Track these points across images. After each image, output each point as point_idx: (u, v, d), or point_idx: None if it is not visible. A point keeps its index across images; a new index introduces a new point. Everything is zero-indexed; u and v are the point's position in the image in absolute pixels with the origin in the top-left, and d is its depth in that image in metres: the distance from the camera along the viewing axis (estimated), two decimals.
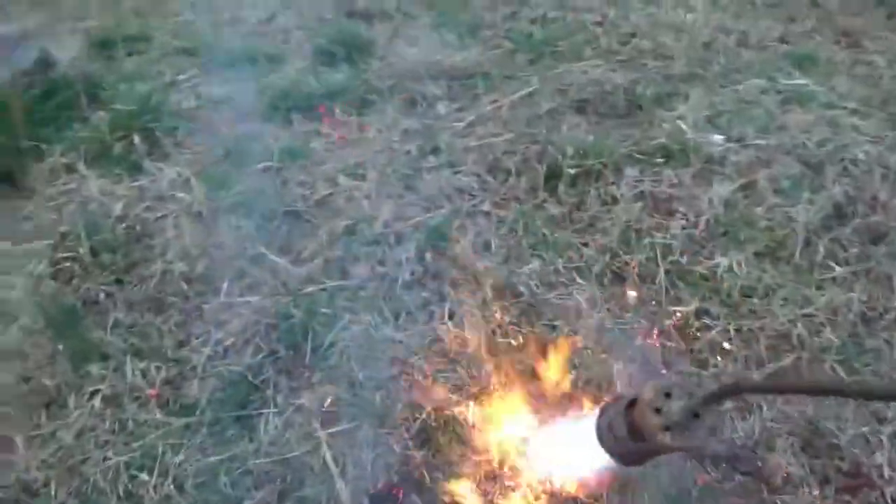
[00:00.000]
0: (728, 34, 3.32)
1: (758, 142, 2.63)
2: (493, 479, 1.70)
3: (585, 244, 2.34)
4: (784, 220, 2.29)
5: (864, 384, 1.68)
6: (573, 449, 1.41)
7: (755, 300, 2.09)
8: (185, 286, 2.30)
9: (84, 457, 1.82)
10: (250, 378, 1.97)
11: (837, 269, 2.14)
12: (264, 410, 1.89)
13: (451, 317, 2.13)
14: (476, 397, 1.88)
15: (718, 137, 2.70)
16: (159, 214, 2.64)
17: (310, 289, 2.23)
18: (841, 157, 2.51)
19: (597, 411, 1.28)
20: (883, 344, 1.97)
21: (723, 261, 2.20)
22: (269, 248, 2.40)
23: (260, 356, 2.03)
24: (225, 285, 2.29)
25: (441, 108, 3.22)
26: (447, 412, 1.84)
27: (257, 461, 1.77)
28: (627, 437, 1.15)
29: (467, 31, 3.66)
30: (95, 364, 2.05)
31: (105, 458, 1.82)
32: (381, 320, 2.12)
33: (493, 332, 2.08)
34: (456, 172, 2.72)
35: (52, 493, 1.75)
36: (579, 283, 2.20)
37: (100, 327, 2.17)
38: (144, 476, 1.75)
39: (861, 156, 2.51)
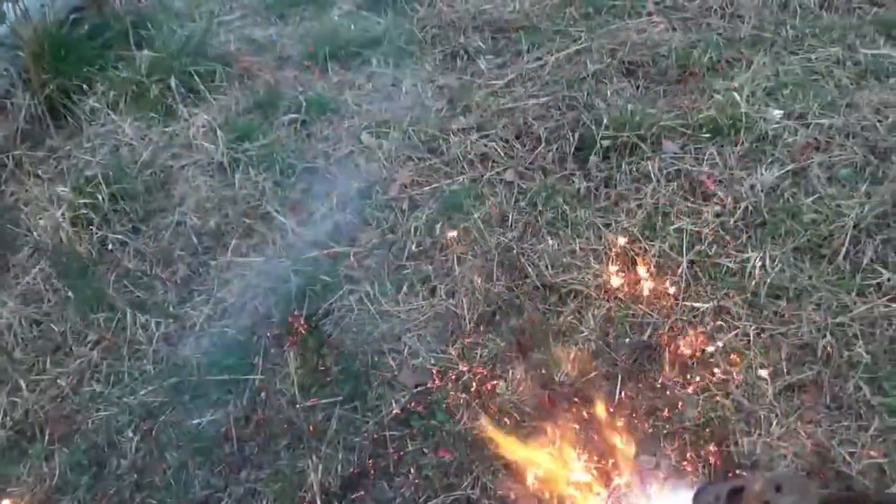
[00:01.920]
0: None
1: (820, 121, 2.35)
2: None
3: (608, 225, 2.18)
4: (833, 214, 2.05)
5: None
6: None
7: (783, 302, 1.89)
8: (195, 240, 2.30)
9: (78, 407, 1.88)
10: (242, 342, 1.96)
11: (885, 274, 1.91)
12: (250, 377, 1.88)
13: (452, 294, 2.04)
14: (461, 382, 1.80)
15: (776, 113, 2.43)
16: (183, 163, 2.65)
17: (314, 253, 2.19)
18: None
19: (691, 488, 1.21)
20: None
21: (754, 255, 2.00)
22: (280, 207, 2.36)
23: (255, 320, 2.02)
24: (233, 242, 2.27)
25: (482, 63, 3.05)
26: (429, 396, 1.78)
27: (236, 428, 1.77)
28: None
29: None
30: (101, 314, 2.10)
31: (97, 410, 1.87)
32: (380, 292, 2.06)
33: (494, 315, 1.98)
34: (483, 136, 2.58)
35: (45, 439, 1.81)
36: (594, 267, 2.06)
37: (110, 276, 2.21)
38: (129, 433, 1.79)
39: None
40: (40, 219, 2.38)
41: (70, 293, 2.14)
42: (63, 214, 2.34)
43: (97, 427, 1.83)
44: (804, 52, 2.70)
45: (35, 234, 2.37)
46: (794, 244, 2.02)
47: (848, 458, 1.59)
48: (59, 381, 1.96)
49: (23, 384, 1.95)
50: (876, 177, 2.16)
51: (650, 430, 1.69)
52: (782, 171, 2.19)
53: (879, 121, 2.32)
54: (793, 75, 2.58)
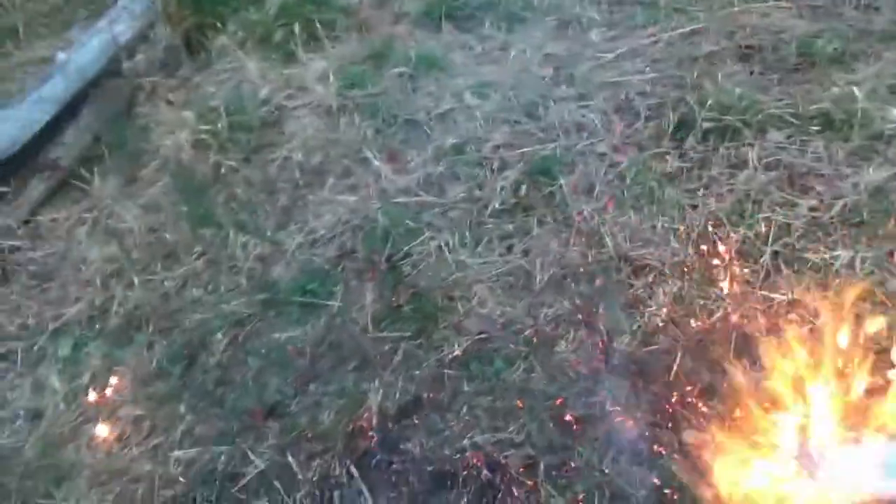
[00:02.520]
0: None
1: None
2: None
3: (694, 206, 2.16)
4: None
5: None
6: None
7: (866, 306, 1.83)
8: (297, 175, 2.48)
9: (179, 307, 2.10)
10: (327, 270, 2.12)
11: None
12: (330, 303, 2.03)
13: (526, 253, 2.11)
14: (522, 336, 1.88)
15: None
16: (297, 104, 2.83)
17: (402, 199, 2.30)
18: None
19: None
20: None
21: (844, 253, 1.93)
22: (378, 153, 2.49)
23: (341, 253, 2.17)
24: (330, 181, 2.43)
25: (594, 35, 3.04)
26: (490, 344, 1.86)
27: (311, 346, 1.93)
28: None
29: None
30: (209, 229, 2.31)
31: (195, 312, 2.08)
32: (459, 242, 2.15)
33: (564, 277, 2.03)
34: (582, 107, 2.59)
35: (149, 330, 2.05)
36: (673, 246, 2.06)
37: (220, 197, 2.43)
38: (220, 335, 1.99)
39: None
40: (167, 140, 2.63)
41: (185, 208, 2.36)
42: (186, 138, 2.57)
43: (193, 327, 2.04)
44: None
45: (161, 152, 2.63)
46: (890, 247, 1.94)
47: None
48: (166, 282, 2.19)
49: (136, 281, 2.20)
50: None
51: (703, 410, 1.70)
52: (892, 173, 2.08)
53: None
54: None
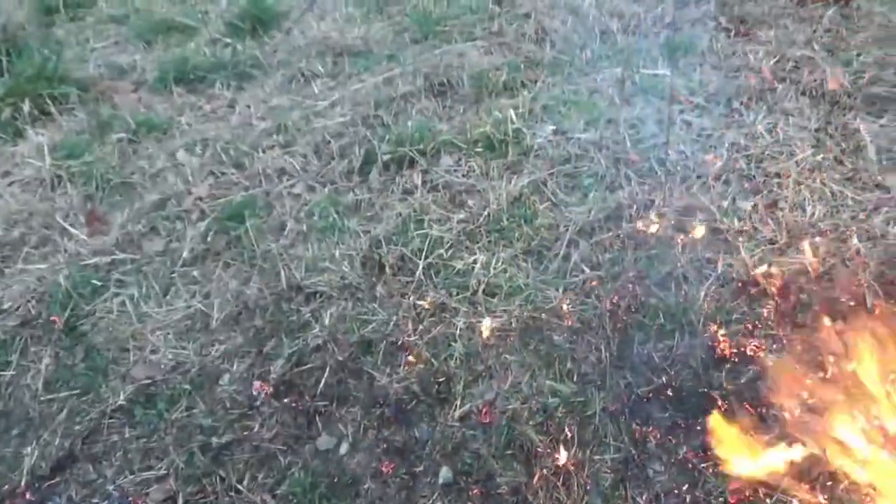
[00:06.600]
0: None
1: (581, 135, 2.53)
2: None
3: (367, 232, 2.35)
4: (563, 219, 2.22)
5: None
6: None
7: (495, 300, 2.05)
8: None
9: None
10: (4, 340, 2.12)
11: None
12: (2, 372, 2.03)
13: (207, 296, 2.20)
14: (188, 375, 1.95)
15: (549, 129, 2.62)
16: (10, 180, 2.81)
17: (94, 260, 2.34)
18: None
19: None
20: None
21: (483, 257, 2.16)
22: (83, 218, 2.53)
23: (24, 321, 2.18)
24: (25, 251, 2.44)
25: (316, 86, 3.24)
26: (153, 388, 1.93)
27: None
28: None
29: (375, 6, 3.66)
30: None
31: None
32: (145, 296, 2.21)
33: (240, 314, 2.13)
34: (287, 152, 2.76)
35: None
36: (344, 270, 2.22)
37: None
38: None
39: None
40: None
41: None
42: None
43: None
44: (594, 73, 2.90)
45: None
46: (522, 247, 2.19)
47: None
48: None
49: None
50: (613, 185, 2.33)
51: (339, 415, 1.84)
52: (528, 181, 2.37)
53: (630, 135, 2.50)
54: (575, 94, 2.77)
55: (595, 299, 2.02)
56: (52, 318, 2.17)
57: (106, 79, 3.52)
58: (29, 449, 1.84)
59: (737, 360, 1.82)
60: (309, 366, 1.97)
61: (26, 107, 3.22)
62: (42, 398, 1.98)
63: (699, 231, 2.15)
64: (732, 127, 2.52)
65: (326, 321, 2.09)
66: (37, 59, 3.47)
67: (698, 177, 2.35)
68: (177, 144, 2.91)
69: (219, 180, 2.67)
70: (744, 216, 2.19)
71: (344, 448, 1.78)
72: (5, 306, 2.25)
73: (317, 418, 1.85)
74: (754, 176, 2.33)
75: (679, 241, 2.15)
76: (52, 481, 1.77)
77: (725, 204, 2.23)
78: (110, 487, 1.73)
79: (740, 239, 2.13)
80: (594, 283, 2.06)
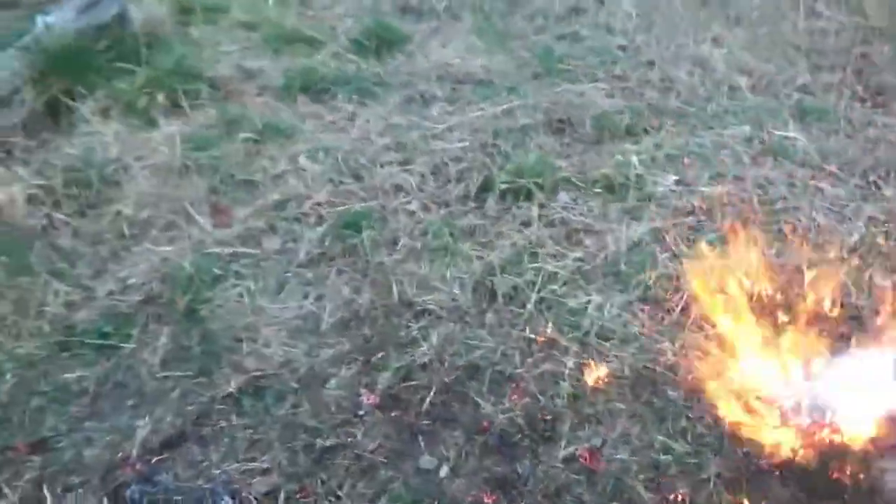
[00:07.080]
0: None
1: (705, 188, 2.49)
2: None
3: (480, 258, 2.36)
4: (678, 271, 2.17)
5: None
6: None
7: (607, 343, 2.01)
8: (125, 228, 2.59)
9: None
10: (127, 314, 2.21)
11: None
12: (123, 345, 2.12)
13: (319, 299, 2.25)
14: (298, 374, 1.99)
15: (671, 178, 2.59)
16: (142, 164, 2.97)
17: (216, 250, 2.43)
18: None
19: None
20: None
21: (597, 298, 2.13)
22: (207, 208, 2.64)
23: (144, 298, 2.27)
24: (153, 233, 2.55)
25: (434, 109, 3.31)
26: (262, 381, 1.97)
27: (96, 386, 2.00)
28: None
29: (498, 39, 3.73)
30: (25, 278, 2.39)
31: None
32: (261, 290, 2.28)
33: (350, 321, 2.17)
34: (405, 170, 2.82)
35: None
36: (454, 292, 2.23)
37: (44, 249, 2.51)
38: (7, 377, 2.04)
39: None
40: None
41: (4, 257, 2.44)
42: (18, 191, 2.68)
43: None
44: (720, 128, 2.85)
45: None
46: (637, 294, 2.15)
47: None
48: None
49: None
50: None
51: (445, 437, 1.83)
52: (649, 228, 2.33)
53: (759, 194, 2.43)
54: (700, 147, 2.73)
55: None
56: (174, 298, 2.25)
57: (235, 80, 3.69)
58: (142, 422, 1.90)
59: None
60: (415, 382, 1.97)
61: (161, 98, 3.40)
62: (158, 375, 2.05)
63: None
64: (869, 199, 2.42)
65: (434, 340, 2.10)
66: (174, 55, 3.67)
67: (830, 247, 2.26)
68: (299, 150, 3.01)
69: (337, 189, 2.74)
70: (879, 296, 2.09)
71: (444, 471, 1.76)
72: (130, 282, 2.36)
73: (419, 437, 1.84)
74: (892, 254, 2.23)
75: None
76: (161, 456, 1.82)
77: (861, 280, 2.13)
78: (216, 472, 1.76)
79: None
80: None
